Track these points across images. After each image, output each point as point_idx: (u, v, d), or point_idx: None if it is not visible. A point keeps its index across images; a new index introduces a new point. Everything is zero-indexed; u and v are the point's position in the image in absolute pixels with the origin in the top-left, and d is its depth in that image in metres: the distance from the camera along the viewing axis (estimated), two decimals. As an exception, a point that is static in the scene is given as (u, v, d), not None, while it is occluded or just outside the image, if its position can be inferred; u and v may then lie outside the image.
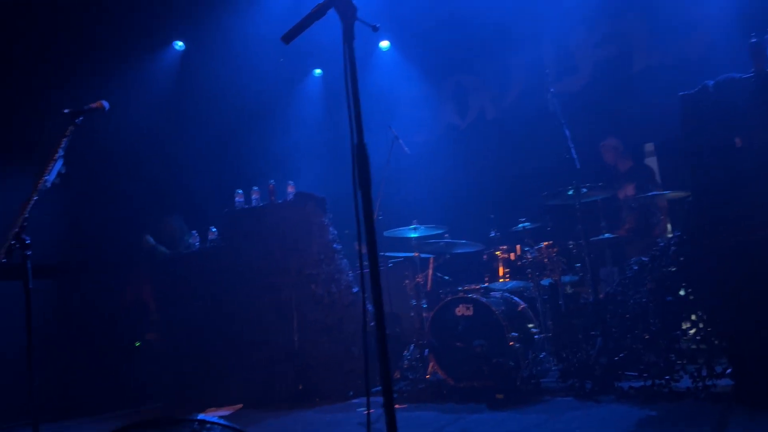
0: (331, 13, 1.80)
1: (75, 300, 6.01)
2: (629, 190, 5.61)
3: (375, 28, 1.74)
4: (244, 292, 5.40)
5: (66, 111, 3.13)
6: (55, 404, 5.26)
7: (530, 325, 4.67)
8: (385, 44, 7.55)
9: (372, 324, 4.68)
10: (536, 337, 4.61)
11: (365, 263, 1.96)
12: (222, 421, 1.58)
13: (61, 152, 3.09)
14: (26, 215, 2.89)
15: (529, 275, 4.82)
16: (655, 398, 3.54)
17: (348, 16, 1.62)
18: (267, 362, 5.22)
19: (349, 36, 1.62)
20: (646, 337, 3.74)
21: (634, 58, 6.45)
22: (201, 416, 1.60)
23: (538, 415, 3.64)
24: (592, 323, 4.13)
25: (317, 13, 1.69)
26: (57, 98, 4.85)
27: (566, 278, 4.79)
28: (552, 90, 4.87)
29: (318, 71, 7.91)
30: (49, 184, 3.06)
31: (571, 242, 4.79)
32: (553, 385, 4.26)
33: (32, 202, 2.95)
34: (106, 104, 3.28)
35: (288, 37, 1.75)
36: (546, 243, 4.81)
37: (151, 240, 6.11)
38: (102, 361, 5.95)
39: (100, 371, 5.91)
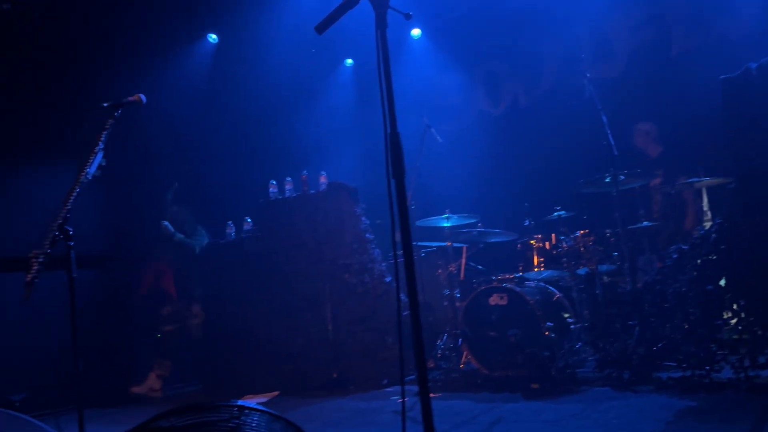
0: (364, 2, 1.80)
1: (116, 289, 6.16)
2: (657, 177, 5.50)
3: (408, 16, 1.73)
4: (279, 281, 5.47)
5: (105, 105, 3.21)
6: (100, 391, 5.42)
7: (566, 315, 4.62)
8: (416, 32, 7.50)
9: (406, 313, 4.72)
10: (572, 326, 4.56)
11: (399, 252, 1.97)
12: (260, 407, 1.61)
13: (101, 145, 3.17)
14: (69, 207, 2.98)
15: (565, 264, 4.76)
16: (694, 389, 3.47)
17: (380, 4, 1.62)
18: (302, 350, 5.29)
19: (381, 24, 1.61)
20: (686, 326, 3.66)
21: (673, 41, 6.28)
22: (240, 402, 1.63)
23: (574, 404, 3.61)
24: (630, 313, 4.06)
25: (350, 2, 1.69)
26: (95, 92, 4.96)
27: (603, 267, 4.71)
28: (588, 76, 4.79)
29: (349, 61, 7.91)
30: (90, 177, 3.15)
31: (608, 231, 4.71)
32: (590, 375, 4.22)
33: (74, 194, 3.03)
34: (143, 97, 3.35)
35: (321, 27, 1.76)
36: (582, 231, 4.74)
37: (170, 227, 6.19)
38: (143, 348, 6.10)
39: (142, 358, 6.06)
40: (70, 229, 2.90)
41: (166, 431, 1.47)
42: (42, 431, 2.57)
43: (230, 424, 1.53)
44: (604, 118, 4.51)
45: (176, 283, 6.31)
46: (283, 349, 5.39)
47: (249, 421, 1.58)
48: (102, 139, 3.16)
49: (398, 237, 1.84)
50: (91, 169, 3.13)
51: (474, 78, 7.60)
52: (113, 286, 6.14)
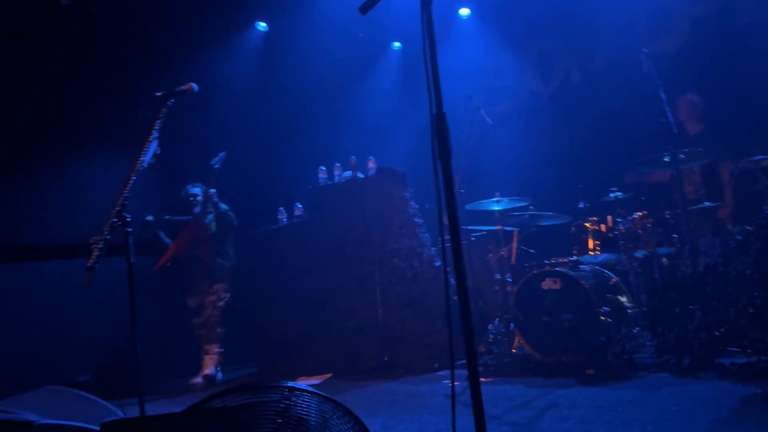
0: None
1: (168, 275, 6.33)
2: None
3: (453, -9, 1.68)
4: (329, 265, 5.52)
5: (158, 94, 3.28)
6: (156, 373, 5.62)
7: (623, 300, 4.49)
8: (465, 12, 7.36)
9: (455, 298, 4.67)
10: (629, 311, 4.43)
11: (446, 236, 1.94)
12: (310, 389, 1.62)
13: (155, 134, 3.25)
14: (126, 194, 3.07)
15: (622, 248, 4.60)
16: (760, 375, 3.32)
17: (425, -19, 1.57)
18: (353, 334, 5.34)
19: (427, 1, 1.57)
20: (751, 311, 3.49)
21: (737, 12, 5.93)
22: (291, 383, 1.65)
23: (631, 390, 3.50)
24: (691, 297, 3.90)
25: (394, -20, 1.65)
26: (148, 82, 5.09)
27: (662, 250, 4.53)
28: (645, 50, 4.59)
29: (397, 44, 7.85)
30: (145, 165, 3.23)
31: (667, 212, 4.52)
32: (648, 360, 4.09)
33: (131, 182, 3.12)
34: (195, 86, 3.41)
35: (365, 7, 1.73)
36: (640, 213, 4.56)
37: (216, 196, 5.93)
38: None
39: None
40: (128, 216, 3.00)
41: (219, 411, 1.50)
42: (105, 409, 2.67)
43: (281, 405, 1.55)
44: (663, 95, 4.32)
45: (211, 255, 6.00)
46: (335, 332, 5.45)
47: (299, 401, 1.59)
48: (156, 127, 3.24)
49: (446, 220, 1.81)
50: (146, 157, 3.21)
51: (525, 56, 7.40)
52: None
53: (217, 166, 5.62)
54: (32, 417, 2.13)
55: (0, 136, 5.16)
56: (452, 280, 4.66)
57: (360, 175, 5.55)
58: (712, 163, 5.03)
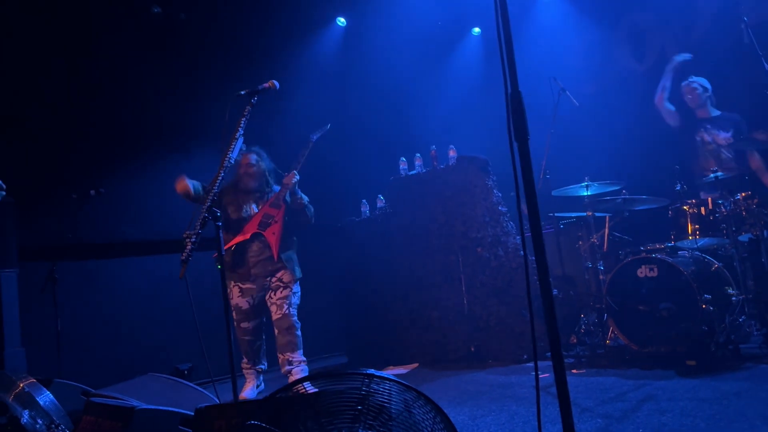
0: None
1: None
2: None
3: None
4: (413, 256, 5.52)
5: (242, 92, 3.40)
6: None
7: (726, 287, 4.19)
8: (546, -8, 7.11)
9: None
10: (734, 299, 4.12)
11: (526, 224, 1.87)
12: (390, 376, 1.62)
13: (241, 131, 3.37)
14: (216, 190, 3.21)
15: (724, 231, 4.29)
16: None
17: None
18: (439, 323, 5.32)
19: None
20: None
21: None
22: (371, 371, 1.65)
23: (737, 382, 3.26)
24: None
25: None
26: (234, 81, 5.30)
27: (770, 232, 4.19)
28: (746, 20, 4.26)
29: (477, 30, 7.70)
30: (233, 161, 3.36)
31: (775, 191, 4.18)
32: (756, 351, 3.81)
33: (220, 178, 3.25)
34: (276, 84, 3.50)
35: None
36: (744, 194, 4.23)
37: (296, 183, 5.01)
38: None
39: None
40: (218, 211, 3.13)
41: (301, 397, 1.53)
42: (201, 395, 2.82)
43: (361, 392, 1.57)
44: (767, 65, 3.98)
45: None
46: (421, 322, 5.45)
47: (379, 389, 1.60)
48: (241, 125, 3.36)
49: (525, 208, 1.74)
50: (233, 154, 3.34)
51: (615, 33, 7.03)
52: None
53: (314, 138, 4.94)
54: (134, 402, 2.27)
55: (102, 141, 5.54)
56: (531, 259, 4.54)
57: (440, 165, 5.50)
58: None
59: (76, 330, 4.89)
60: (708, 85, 5.21)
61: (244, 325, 4.62)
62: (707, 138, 5.13)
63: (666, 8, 6.54)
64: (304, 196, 4.82)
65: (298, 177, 4.74)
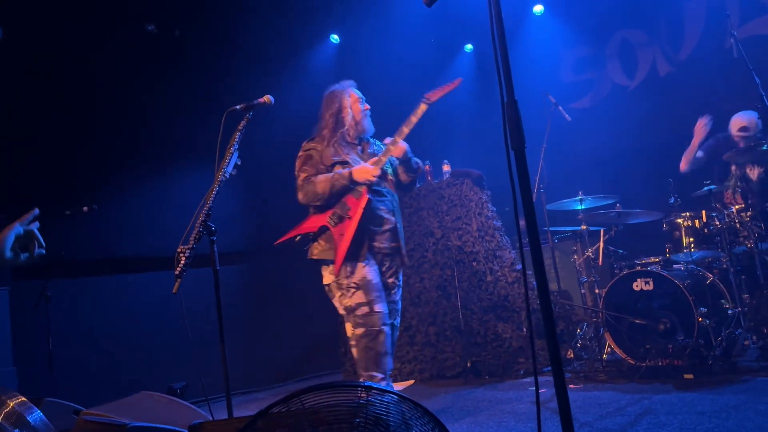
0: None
1: (257, 283, 6.54)
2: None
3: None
4: (409, 270, 5.50)
5: (237, 107, 3.40)
6: (247, 377, 5.80)
7: (722, 300, 4.19)
8: (538, 9, 7.19)
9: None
10: (730, 312, 4.12)
11: (524, 236, 1.86)
12: (387, 388, 1.60)
13: (236, 145, 3.36)
14: (210, 204, 3.19)
15: (719, 244, 4.31)
16: None
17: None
18: (435, 339, 5.28)
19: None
20: None
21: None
22: (368, 383, 1.63)
23: (734, 396, 3.25)
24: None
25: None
26: (228, 96, 5.30)
27: (764, 245, 4.20)
28: (735, 34, 4.32)
29: (469, 47, 7.77)
30: (227, 176, 3.35)
31: (768, 204, 4.20)
32: (753, 364, 3.80)
33: (214, 192, 3.24)
34: (272, 99, 3.51)
35: (430, 0, 1.71)
36: (737, 206, 4.26)
37: None
38: (283, 335, 6.43)
39: (283, 344, 6.40)
40: (213, 225, 3.11)
41: (297, 411, 1.51)
42: (195, 413, 2.77)
43: (358, 404, 1.54)
44: (757, 79, 4.03)
45: None
46: (418, 337, 5.42)
47: (377, 401, 1.58)
48: (237, 139, 3.36)
49: (523, 222, 1.73)
50: (228, 168, 3.33)
51: (606, 50, 7.13)
52: (254, 281, 6.52)
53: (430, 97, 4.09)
54: (126, 420, 2.23)
55: (96, 158, 5.52)
56: (534, 283, 4.54)
57: (435, 179, 5.51)
58: None
59: (69, 348, 4.83)
60: (758, 121, 4.75)
61: None
62: (747, 172, 4.84)
63: (656, 25, 6.64)
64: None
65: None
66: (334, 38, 7.34)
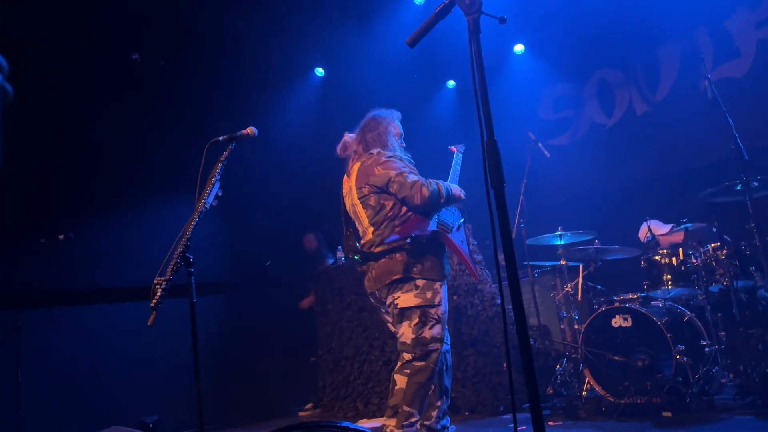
0: (458, 16, 1.76)
1: (236, 315, 6.46)
2: None
3: (502, 20, 1.67)
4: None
5: (220, 138, 3.40)
6: (223, 412, 5.67)
7: (699, 337, 4.22)
8: (519, 48, 7.36)
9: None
10: (707, 349, 4.15)
11: (503, 268, 1.86)
12: (364, 428, 1.58)
13: (217, 176, 3.35)
14: (189, 235, 3.16)
15: (696, 281, 4.36)
16: None
17: (473, 11, 1.57)
18: (414, 375, 5.22)
19: (475, 30, 1.56)
20: None
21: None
22: (345, 423, 1.61)
23: (713, 435, 3.25)
24: (776, 333, 3.63)
25: (441, 12, 1.65)
26: (212, 127, 5.31)
27: (740, 283, 4.25)
28: (709, 76, 4.45)
29: (451, 83, 7.90)
30: (208, 206, 3.33)
31: (743, 243, 4.27)
32: (730, 402, 3.81)
33: (194, 223, 3.21)
34: (255, 130, 3.52)
35: (414, 41, 1.74)
36: (713, 245, 4.32)
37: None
38: (260, 370, 6.32)
39: (260, 378, 6.29)
40: (191, 257, 3.07)
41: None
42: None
43: (336, 444, 1.52)
44: (731, 121, 4.14)
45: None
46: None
47: (354, 442, 1.55)
48: (218, 170, 3.35)
49: (502, 257, 1.74)
50: (209, 199, 3.31)
51: (584, 89, 7.30)
52: (234, 313, 6.44)
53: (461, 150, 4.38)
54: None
55: (73, 186, 5.46)
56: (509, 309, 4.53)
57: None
58: None
59: (38, 381, 4.70)
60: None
61: None
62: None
63: (633, 66, 6.83)
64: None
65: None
66: (319, 71, 7.42)
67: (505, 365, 4.81)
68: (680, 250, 4.49)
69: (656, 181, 6.12)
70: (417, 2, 6.61)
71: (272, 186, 5.51)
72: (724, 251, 4.23)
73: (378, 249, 3.29)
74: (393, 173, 3.28)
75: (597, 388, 4.23)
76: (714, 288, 4.32)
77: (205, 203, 3.26)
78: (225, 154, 3.36)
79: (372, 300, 3.52)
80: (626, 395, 4.00)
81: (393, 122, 3.77)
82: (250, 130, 3.48)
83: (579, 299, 5.02)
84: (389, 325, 3.53)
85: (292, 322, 6.56)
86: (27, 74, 5.19)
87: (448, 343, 3.40)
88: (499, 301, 5.04)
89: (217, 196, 3.71)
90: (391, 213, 3.31)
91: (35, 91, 5.28)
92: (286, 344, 6.38)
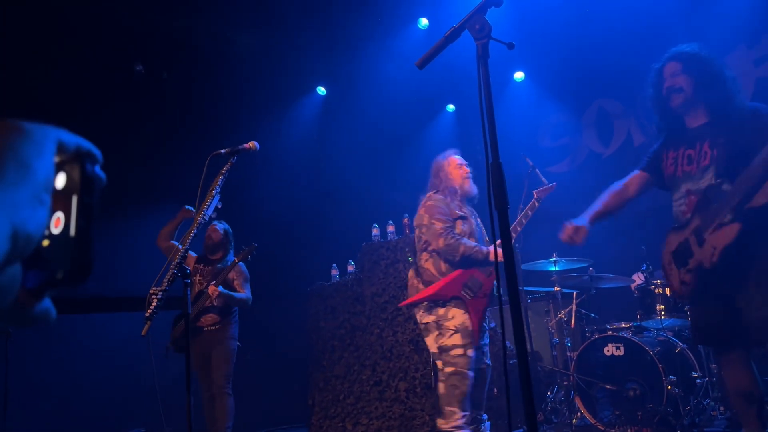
0: (466, 39, 1.79)
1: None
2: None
3: (510, 46, 1.70)
4: (383, 323, 5.46)
5: (222, 151, 3.42)
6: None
7: (691, 369, 4.23)
8: (519, 76, 7.45)
9: (513, 362, 4.47)
10: (698, 381, 4.15)
11: (504, 292, 1.87)
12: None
13: (218, 189, 3.37)
14: (187, 247, 3.16)
15: (688, 313, 4.37)
16: None
17: (482, 36, 1.60)
18: (405, 395, 5.20)
19: (484, 55, 1.59)
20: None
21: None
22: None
23: (704, 469, 3.24)
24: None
25: (451, 36, 1.69)
26: (213, 141, 5.34)
27: (732, 316, 4.27)
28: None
29: (451, 107, 7.98)
30: (207, 219, 3.33)
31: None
32: (722, 436, 3.80)
33: (192, 234, 3.22)
34: (257, 144, 3.54)
35: (422, 63, 1.77)
36: (706, 276, 4.34)
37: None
38: (251, 384, 6.26)
39: (250, 393, 6.23)
40: (188, 268, 3.07)
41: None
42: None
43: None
44: (729, 155, 4.18)
45: None
46: (387, 393, 5.32)
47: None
48: (219, 183, 3.36)
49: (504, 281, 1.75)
50: (208, 211, 3.32)
51: (583, 117, 7.39)
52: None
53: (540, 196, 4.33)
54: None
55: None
56: (509, 343, 4.52)
57: (412, 233, 5.54)
58: None
59: (26, 388, 4.65)
60: None
61: None
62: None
63: (632, 96, 6.92)
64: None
65: None
66: (321, 90, 7.49)
67: (495, 391, 4.79)
68: (674, 280, 4.50)
69: (652, 210, 6.15)
70: (421, 26, 6.70)
71: (271, 201, 5.52)
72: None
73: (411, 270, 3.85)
74: (426, 220, 3.76)
75: (587, 416, 4.21)
76: (707, 320, 4.33)
77: (204, 215, 3.27)
78: (226, 167, 3.38)
79: None
80: (617, 425, 3.99)
81: (441, 164, 4.21)
82: (252, 144, 3.50)
83: (572, 326, 5.02)
84: None
85: (282, 338, 6.53)
86: (29, 85, 5.22)
87: (488, 357, 3.74)
88: (492, 324, 5.03)
89: (216, 209, 3.72)
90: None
91: (37, 100, 5.31)
92: (276, 361, 6.33)
